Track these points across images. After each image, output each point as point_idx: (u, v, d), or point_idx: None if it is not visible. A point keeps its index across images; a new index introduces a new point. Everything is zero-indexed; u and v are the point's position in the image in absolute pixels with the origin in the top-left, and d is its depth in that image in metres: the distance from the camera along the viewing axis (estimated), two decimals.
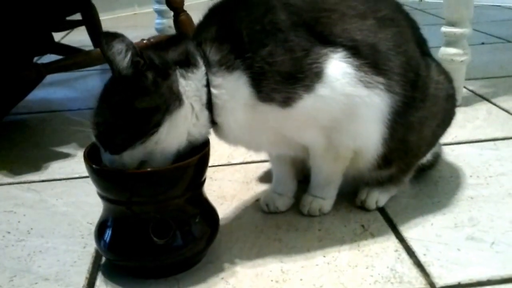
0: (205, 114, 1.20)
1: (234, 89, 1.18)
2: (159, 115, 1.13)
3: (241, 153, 1.81)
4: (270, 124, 1.24)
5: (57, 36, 3.47)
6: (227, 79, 1.18)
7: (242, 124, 1.23)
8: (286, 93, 1.18)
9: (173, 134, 1.17)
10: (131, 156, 1.15)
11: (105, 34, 1.09)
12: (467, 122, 2.01)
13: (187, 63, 1.17)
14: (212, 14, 1.27)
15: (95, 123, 1.17)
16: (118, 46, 1.09)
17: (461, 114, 1.99)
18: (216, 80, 1.18)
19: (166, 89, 1.14)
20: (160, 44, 1.23)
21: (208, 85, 1.19)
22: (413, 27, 1.39)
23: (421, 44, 1.40)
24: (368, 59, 1.23)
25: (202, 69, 1.18)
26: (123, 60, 1.11)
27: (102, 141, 1.17)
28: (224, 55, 1.18)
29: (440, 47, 2.14)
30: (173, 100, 1.15)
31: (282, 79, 1.17)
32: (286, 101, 1.19)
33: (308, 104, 1.20)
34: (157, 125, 1.14)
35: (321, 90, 1.19)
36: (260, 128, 1.25)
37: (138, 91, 1.13)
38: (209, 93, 1.19)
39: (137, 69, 1.12)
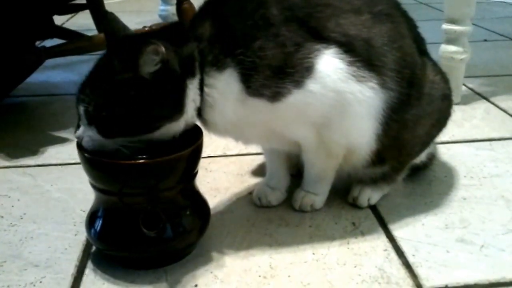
0: (195, 113, 1.22)
1: (224, 87, 1.19)
2: (161, 121, 1.16)
3: (236, 145, 1.80)
4: (260, 119, 1.24)
5: (61, 19, 3.47)
6: (218, 78, 1.19)
7: (230, 120, 1.23)
8: (276, 88, 1.18)
9: (169, 132, 1.18)
10: (121, 141, 1.16)
11: (148, 41, 1.09)
12: (465, 121, 2.01)
13: (192, 73, 1.18)
14: (206, 7, 1.27)
15: (95, 102, 1.15)
16: (152, 57, 1.10)
17: (459, 112, 2.00)
18: (208, 80, 1.19)
19: (175, 100, 1.16)
20: (166, 38, 1.19)
21: (201, 84, 1.19)
22: (411, 25, 1.38)
23: (419, 43, 1.39)
24: (361, 55, 1.22)
25: (198, 75, 1.19)
26: (150, 68, 1.11)
27: (97, 121, 1.15)
28: (216, 55, 1.18)
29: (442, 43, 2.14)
30: (177, 112, 1.17)
31: (272, 74, 1.17)
32: (275, 96, 1.19)
33: (298, 99, 1.20)
34: (157, 128, 1.16)
35: (311, 85, 1.19)
36: (250, 123, 1.26)
37: (151, 93, 1.13)
38: (202, 92, 1.20)
39: (156, 77, 1.12)
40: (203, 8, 1.27)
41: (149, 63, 1.10)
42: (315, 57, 1.19)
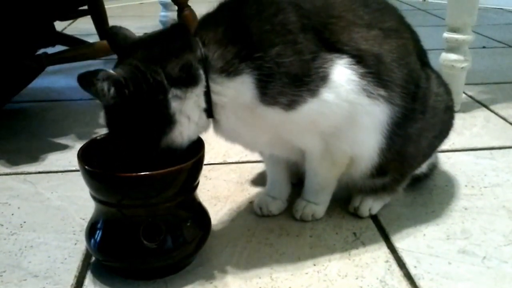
0: (203, 116, 1.20)
1: (235, 94, 1.17)
2: (153, 136, 1.17)
3: (236, 152, 1.81)
4: (269, 126, 1.23)
5: (63, 24, 3.47)
6: (227, 85, 1.17)
7: (241, 122, 1.22)
8: (292, 96, 1.17)
9: (179, 139, 1.19)
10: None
11: (82, 76, 1.09)
12: (465, 129, 2.01)
13: (187, 82, 1.15)
14: (221, 10, 1.24)
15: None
16: (99, 84, 1.08)
17: (459, 120, 1.99)
18: (216, 87, 1.17)
19: (156, 113, 1.15)
20: (161, 46, 1.19)
21: (208, 90, 1.18)
22: (415, 38, 1.38)
23: (422, 55, 1.39)
24: (372, 69, 1.22)
25: (203, 83, 1.16)
26: (108, 94, 1.09)
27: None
28: (228, 61, 1.16)
29: (442, 49, 2.14)
30: (164, 122, 1.16)
31: (290, 81, 1.16)
32: (291, 105, 1.18)
33: (312, 108, 1.19)
34: (157, 141, 1.17)
35: (326, 95, 1.18)
36: (258, 129, 1.25)
37: (127, 114, 1.15)
38: (208, 97, 1.18)
39: (123, 97, 1.11)
40: (217, 10, 1.24)
41: (103, 91, 1.09)
42: (329, 67, 1.19)
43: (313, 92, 1.18)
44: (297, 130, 1.25)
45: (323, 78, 1.18)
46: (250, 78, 1.16)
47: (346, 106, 1.21)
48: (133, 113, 1.14)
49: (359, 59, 1.21)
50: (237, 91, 1.17)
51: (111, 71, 1.10)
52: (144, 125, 1.15)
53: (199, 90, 1.17)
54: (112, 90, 1.09)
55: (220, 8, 1.24)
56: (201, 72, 1.16)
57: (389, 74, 1.24)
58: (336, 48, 1.21)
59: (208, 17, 1.25)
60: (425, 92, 1.34)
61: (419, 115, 1.33)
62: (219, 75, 1.16)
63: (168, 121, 1.16)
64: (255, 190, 1.60)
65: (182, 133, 1.18)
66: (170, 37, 1.21)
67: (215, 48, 1.17)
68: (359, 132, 1.27)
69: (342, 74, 1.19)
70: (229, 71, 1.16)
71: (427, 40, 1.45)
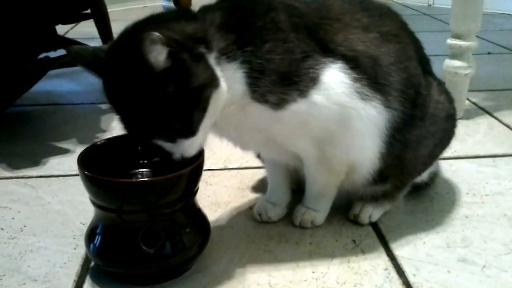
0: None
1: (231, 80, 1.15)
2: (207, 89, 1.11)
3: (237, 158, 1.81)
4: (260, 125, 1.23)
5: (65, 28, 3.47)
6: (226, 66, 1.15)
7: (232, 118, 1.21)
8: (281, 94, 1.17)
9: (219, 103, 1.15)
10: (204, 130, 1.15)
11: (145, 37, 1.03)
12: (468, 136, 2.01)
13: (205, 43, 1.13)
14: (221, 2, 1.24)
15: (157, 123, 1.11)
16: (157, 48, 1.03)
17: (462, 127, 1.99)
18: (217, 67, 1.15)
19: (203, 66, 1.11)
20: (171, 17, 1.19)
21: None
22: (417, 45, 1.38)
23: (424, 63, 1.39)
24: (367, 73, 1.22)
25: (214, 52, 1.14)
26: (162, 56, 1.05)
27: (170, 135, 1.13)
28: (229, 44, 1.15)
29: (447, 55, 2.13)
30: (213, 78, 1.13)
31: (278, 80, 1.16)
32: (279, 103, 1.18)
33: (301, 108, 1.19)
34: (208, 97, 1.12)
35: (315, 96, 1.18)
36: (250, 127, 1.24)
37: (184, 75, 1.09)
38: None
39: (173, 58, 1.06)
40: (214, 4, 1.23)
41: (160, 54, 1.05)
42: (321, 69, 1.19)
43: (302, 92, 1.18)
44: (288, 132, 1.25)
45: (313, 79, 1.18)
46: (240, 70, 1.15)
47: (337, 109, 1.20)
48: (184, 76, 1.09)
49: (354, 63, 1.21)
50: (233, 77, 1.15)
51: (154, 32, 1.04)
52: (194, 80, 1.10)
53: (212, 57, 1.14)
54: (165, 52, 1.05)
55: (217, 4, 1.24)
56: (213, 42, 1.14)
57: (386, 78, 1.24)
58: (330, 48, 1.21)
59: (206, 6, 1.23)
60: (425, 99, 1.34)
61: (418, 122, 1.32)
62: (219, 55, 1.14)
63: (212, 74, 1.13)
64: (255, 196, 1.59)
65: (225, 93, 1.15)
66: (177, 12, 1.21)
67: (217, 29, 1.16)
68: (354, 138, 1.26)
69: (334, 77, 1.19)
70: (229, 55, 1.15)
71: (432, 46, 1.44)
